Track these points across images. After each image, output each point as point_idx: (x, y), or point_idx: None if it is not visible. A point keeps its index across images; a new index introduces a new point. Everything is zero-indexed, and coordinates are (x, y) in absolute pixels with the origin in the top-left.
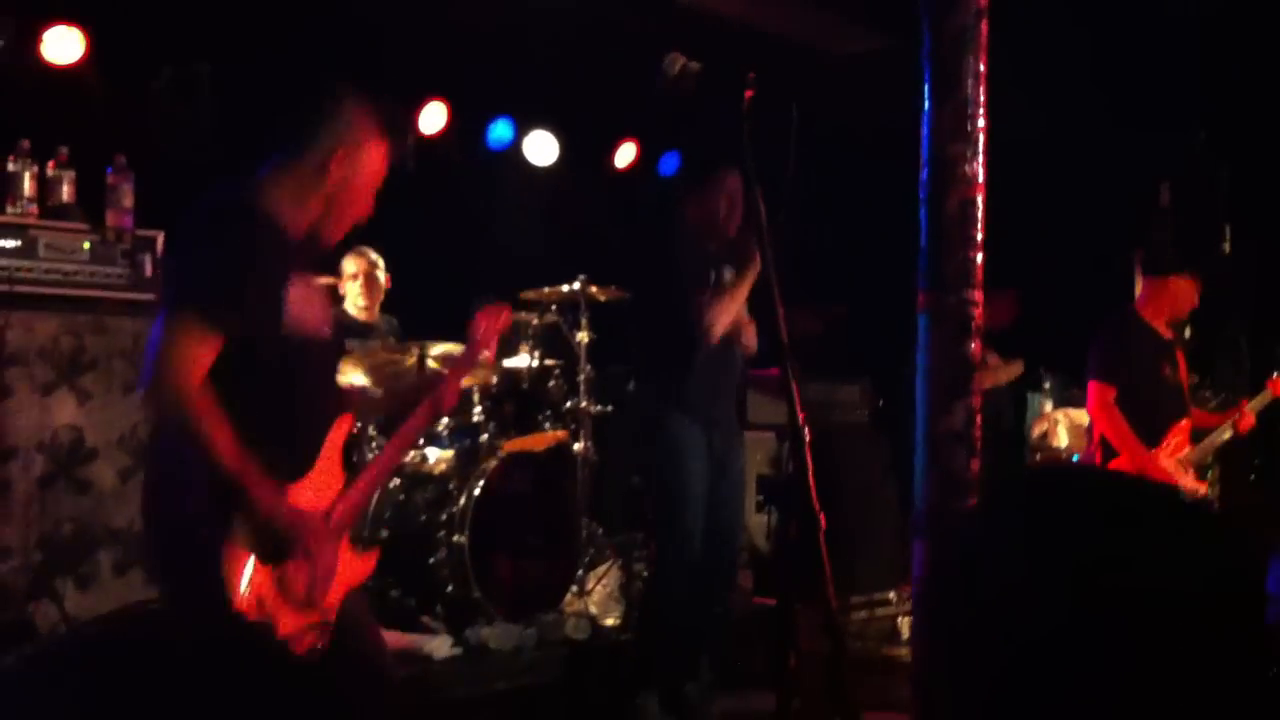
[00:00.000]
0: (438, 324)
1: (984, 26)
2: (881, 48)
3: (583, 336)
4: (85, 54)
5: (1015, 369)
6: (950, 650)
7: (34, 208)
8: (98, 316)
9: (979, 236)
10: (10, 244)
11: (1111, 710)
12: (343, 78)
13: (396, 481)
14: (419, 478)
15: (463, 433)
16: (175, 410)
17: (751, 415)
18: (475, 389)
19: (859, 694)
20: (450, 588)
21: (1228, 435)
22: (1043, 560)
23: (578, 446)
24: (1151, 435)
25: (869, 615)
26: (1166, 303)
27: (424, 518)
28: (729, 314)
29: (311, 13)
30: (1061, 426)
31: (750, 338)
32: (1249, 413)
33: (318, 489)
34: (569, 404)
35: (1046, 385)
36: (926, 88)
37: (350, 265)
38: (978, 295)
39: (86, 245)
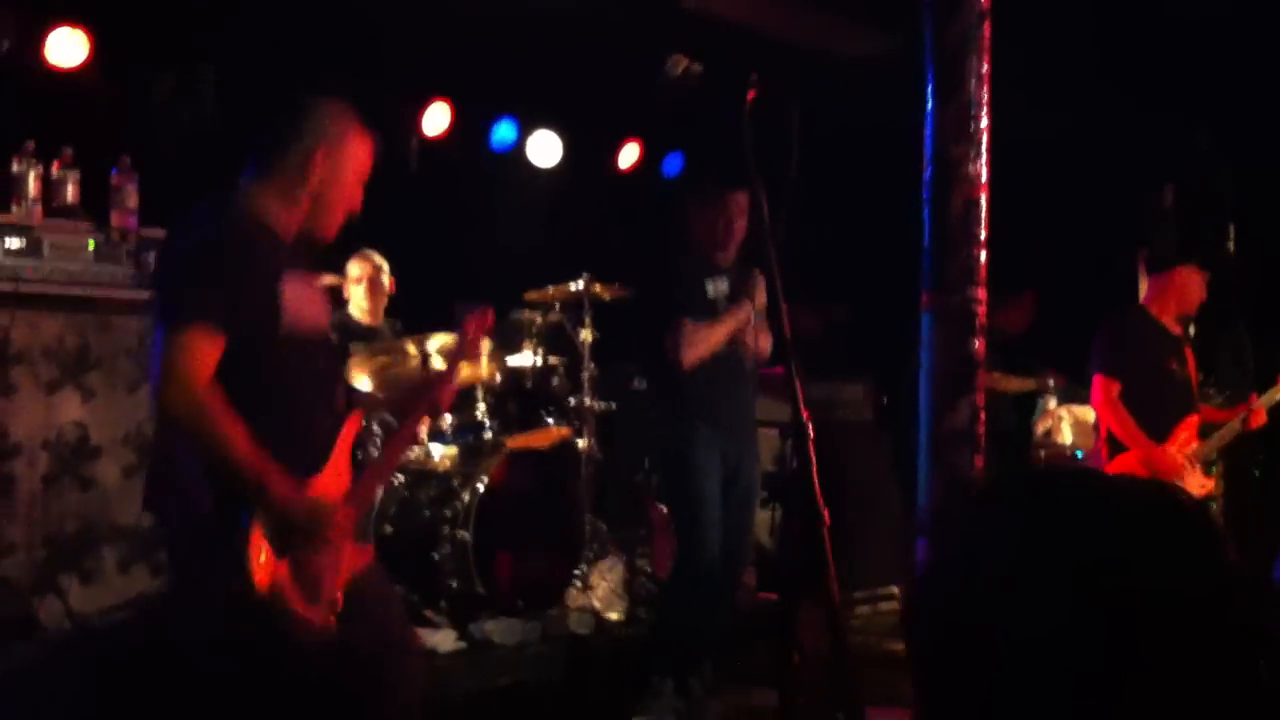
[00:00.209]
0: (441, 325)
1: (986, 28)
2: (884, 49)
3: (586, 335)
4: (89, 55)
5: (1021, 383)
6: (947, 648)
7: (39, 208)
8: (102, 315)
9: (982, 236)
10: (16, 244)
11: (1111, 711)
12: (340, 77)
13: (400, 478)
14: (423, 474)
15: (467, 429)
16: (187, 414)
17: (756, 412)
18: (479, 386)
19: (862, 690)
20: (454, 583)
21: (1237, 432)
22: (1042, 558)
23: (581, 443)
24: (1160, 431)
25: (872, 611)
26: (1174, 297)
27: (428, 514)
28: (706, 346)
29: (315, 13)
30: (1066, 424)
31: (763, 344)
32: (1260, 409)
33: (328, 486)
34: (572, 401)
35: (1051, 383)
36: (929, 88)
37: (355, 269)
38: (981, 294)
39: (91, 245)
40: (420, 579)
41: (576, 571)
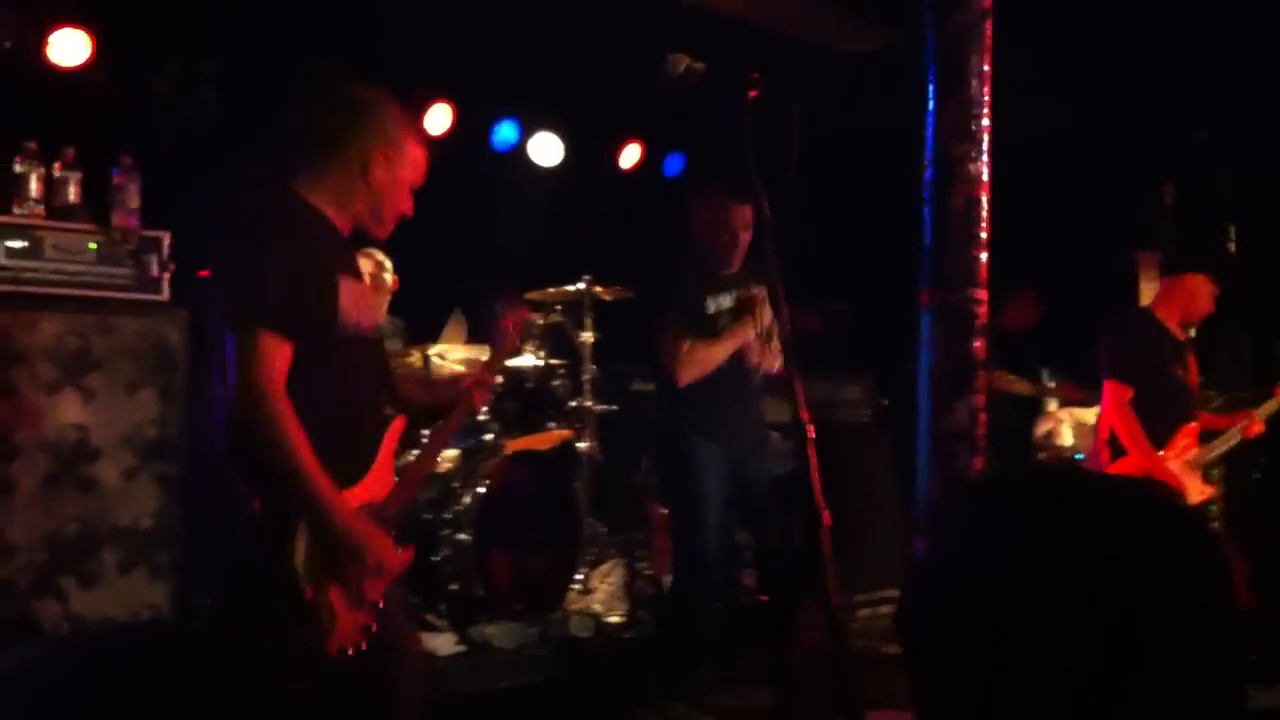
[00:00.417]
0: (442, 323)
1: (988, 26)
2: (886, 46)
3: (587, 336)
4: (91, 55)
5: (1023, 386)
6: (945, 646)
7: (40, 208)
8: (103, 316)
9: (983, 235)
10: (17, 244)
11: (1110, 709)
12: (375, 76)
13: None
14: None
15: (467, 431)
16: (262, 421)
17: (764, 425)
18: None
19: (862, 691)
20: (454, 585)
21: (1236, 441)
22: (1042, 556)
23: (582, 445)
24: (1160, 436)
25: (872, 613)
26: (1180, 303)
27: (428, 516)
28: (702, 367)
29: (317, 13)
30: (1066, 426)
31: (770, 363)
32: (1258, 419)
33: (373, 489)
34: (573, 403)
35: (1051, 385)
36: (931, 87)
37: None
38: (982, 294)
39: (93, 246)
40: (420, 581)
41: (577, 574)
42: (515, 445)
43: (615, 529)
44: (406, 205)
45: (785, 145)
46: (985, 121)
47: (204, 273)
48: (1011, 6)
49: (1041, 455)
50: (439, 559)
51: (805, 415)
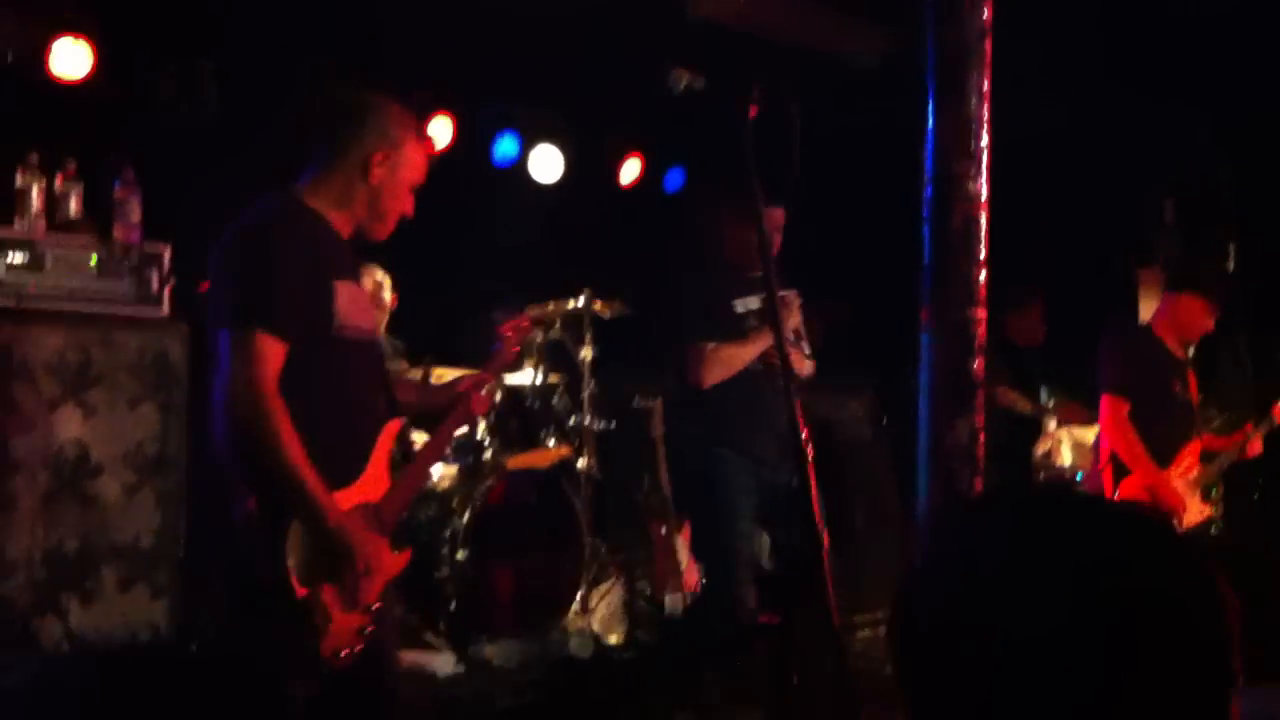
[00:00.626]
0: (442, 340)
1: (987, 43)
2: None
3: (586, 352)
4: (93, 68)
5: (1024, 404)
6: (943, 648)
7: (42, 221)
8: (104, 331)
9: (982, 254)
10: (18, 258)
11: (1109, 711)
12: (378, 78)
13: None
14: (422, 494)
15: (466, 448)
16: (253, 420)
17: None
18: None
19: (861, 710)
20: (453, 604)
21: (1235, 459)
22: (1041, 558)
23: (581, 463)
24: (1163, 455)
25: (873, 633)
26: (1179, 321)
27: (427, 534)
28: (728, 368)
29: (319, 28)
30: (1065, 445)
31: (802, 368)
32: (1256, 438)
33: (367, 491)
34: (573, 420)
35: (1050, 404)
36: (930, 104)
37: None
38: (981, 313)
39: (94, 259)
40: (419, 600)
41: (576, 593)
42: (514, 463)
43: (614, 547)
44: (407, 206)
45: (787, 154)
46: (984, 140)
47: (205, 285)
48: (1013, 11)
49: (1040, 475)
50: (438, 577)
51: (805, 436)
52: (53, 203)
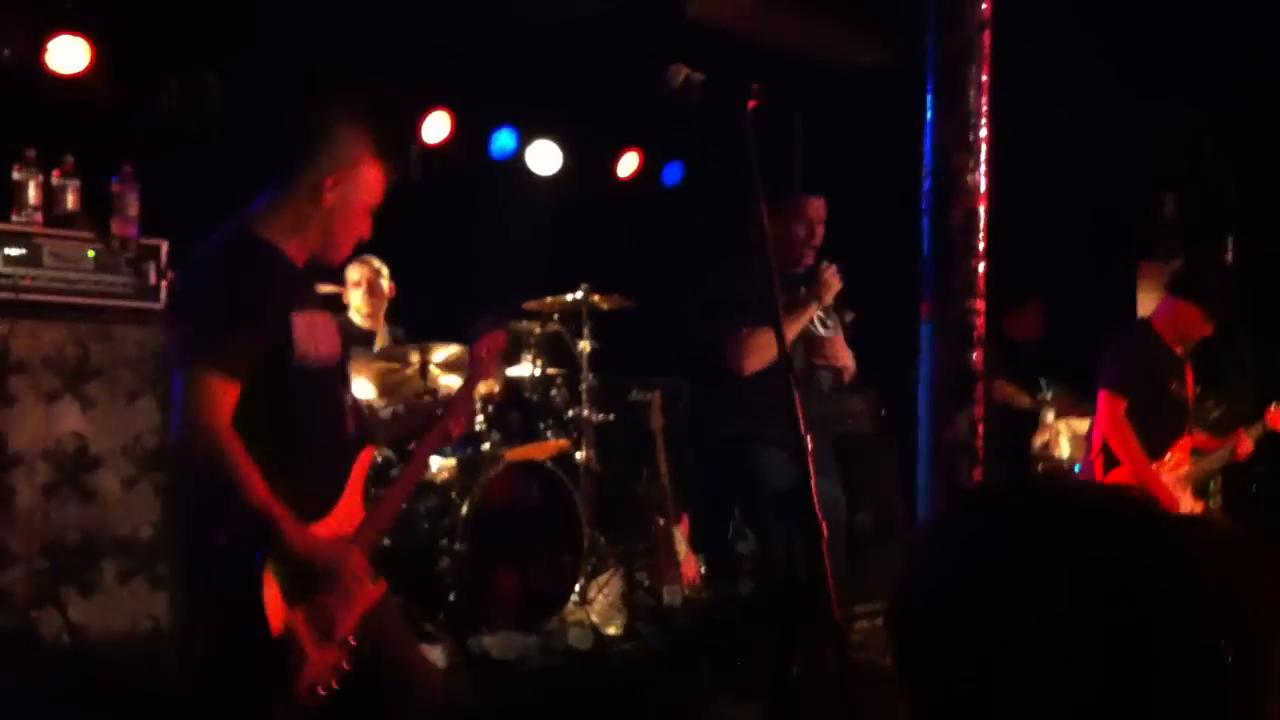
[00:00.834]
0: (441, 332)
1: (986, 37)
2: (887, 59)
3: (585, 345)
4: (91, 63)
5: (1022, 399)
6: (941, 643)
7: (39, 216)
8: (103, 325)
9: (981, 247)
10: (16, 252)
11: (1107, 708)
12: (339, 94)
13: None
14: (421, 486)
15: (465, 441)
16: (207, 459)
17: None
18: (479, 398)
19: (862, 702)
20: (452, 596)
21: (1226, 460)
22: (1040, 554)
23: (580, 455)
24: (1153, 450)
25: (873, 625)
26: (1181, 324)
27: (426, 526)
28: (768, 351)
29: (317, 22)
30: (1064, 437)
31: (841, 355)
32: (1247, 439)
33: (341, 522)
34: (571, 413)
35: (1048, 396)
36: (929, 99)
37: (354, 273)
38: (980, 305)
39: (91, 254)
40: (418, 592)
41: (575, 585)
42: (513, 455)
43: (614, 539)
44: (364, 229)
45: (788, 152)
46: (984, 133)
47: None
48: (1013, 5)
49: (1039, 467)
50: (437, 570)
51: (804, 429)
52: (50, 197)
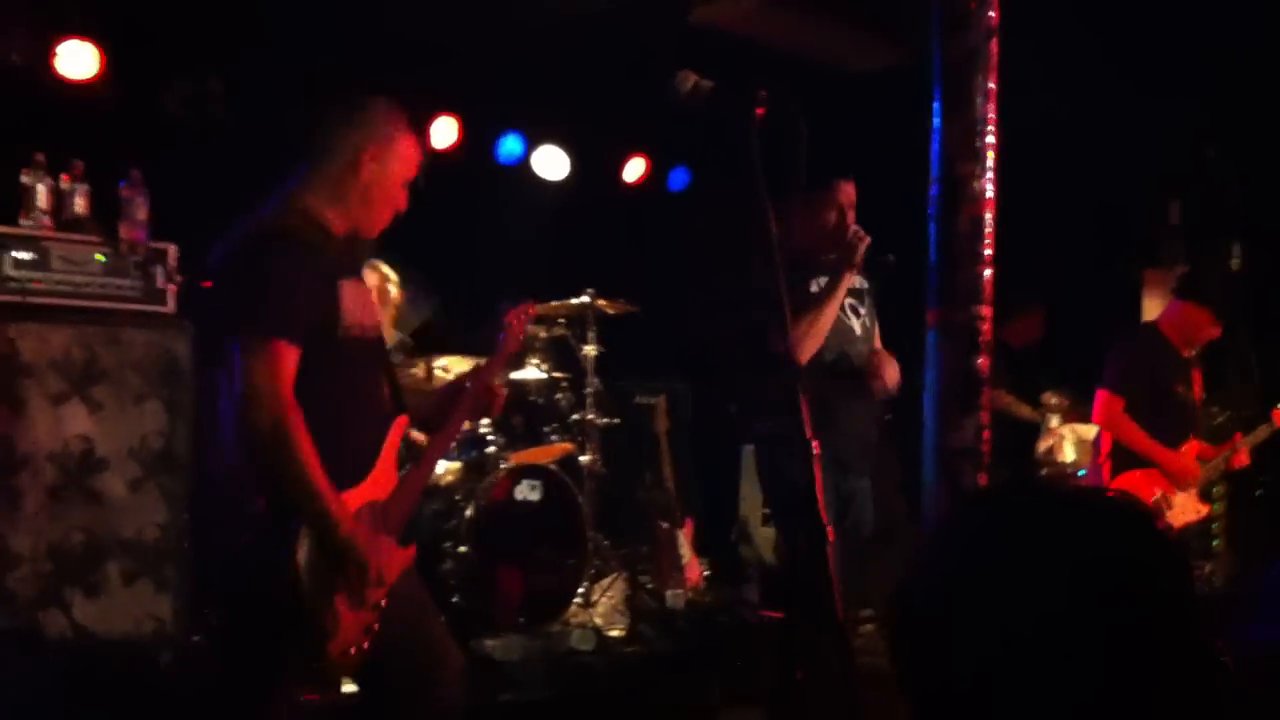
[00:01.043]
0: (447, 337)
1: (993, 45)
2: (894, 63)
3: (590, 350)
4: (100, 68)
5: (1026, 410)
6: (942, 643)
7: (48, 220)
8: (110, 328)
9: (987, 253)
10: (24, 256)
11: (1104, 706)
12: (348, 89)
13: None
14: (426, 489)
15: (470, 444)
16: (272, 431)
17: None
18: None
19: (866, 708)
20: (456, 599)
21: (1222, 469)
22: (1039, 555)
23: (584, 459)
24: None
25: (878, 629)
26: (1187, 327)
27: (430, 529)
28: (818, 329)
29: (322, 27)
30: (1068, 442)
31: (890, 374)
32: (1244, 450)
33: (375, 489)
34: (576, 416)
35: (1052, 401)
36: (936, 106)
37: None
38: (986, 311)
39: (100, 258)
40: None
41: (579, 588)
42: (518, 458)
43: (617, 543)
44: (400, 200)
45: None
46: (990, 140)
47: (208, 283)
48: (1020, 13)
49: (1043, 471)
50: (441, 572)
51: (810, 433)
52: (59, 201)
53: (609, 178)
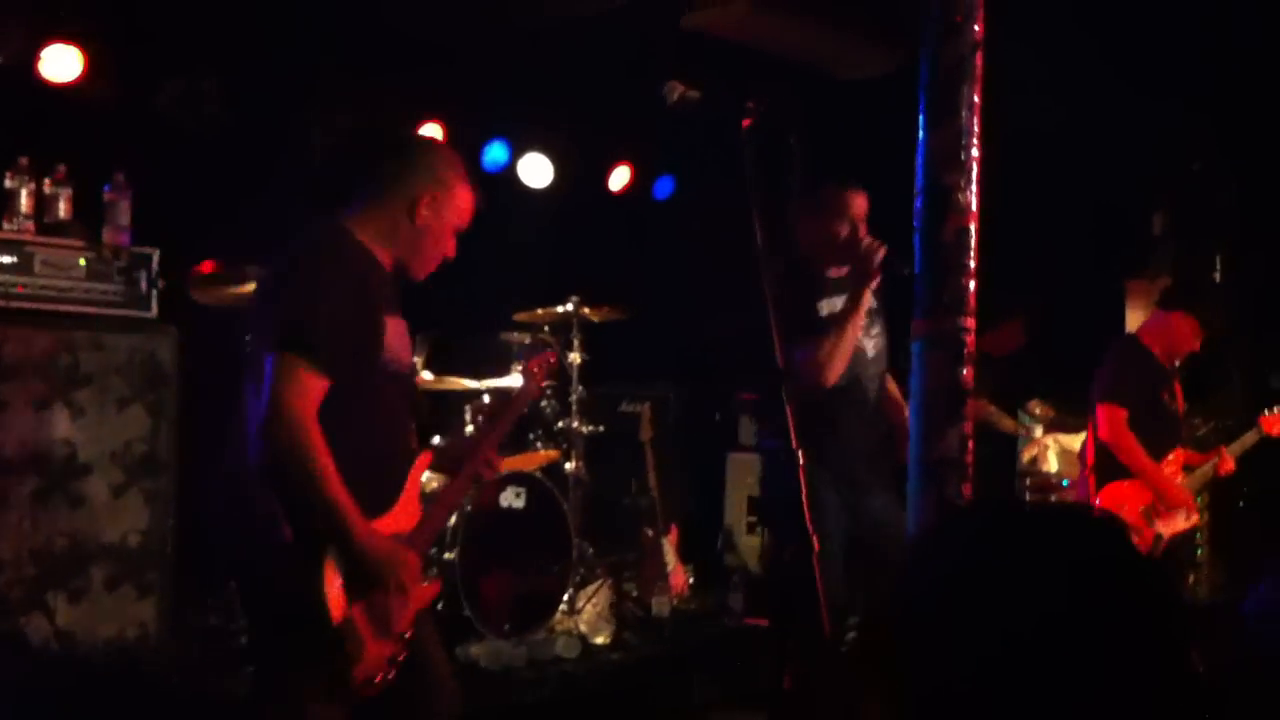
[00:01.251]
0: (429, 344)
1: (979, 58)
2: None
3: (575, 357)
4: (84, 71)
5: (1010, 423)
6: (939, 649)
7: (31, 224)
8: (93, 333)
9: (972, 264)
10: (7, 260)
11: (1102, 705)
12: (335, 96)
13: None
14: None
15: None
16: (291, 451)
17: (744, 437)
18: (467, 408)
19: (852, 715)
20: (441, 605)
21: (1210, 476)
22: (1038, 559)
23: (569, 466)
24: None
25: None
26: (1166, 337)
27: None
28: (843, 350)
29: (312, 33)
30: (1051, 452)
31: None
32: (1228, 457)
33: (400, 522)
34: (561, 424)
35: (1038, 411)
36: (921, 118)
37: None
38: (971, 323)
39: (83, 262)
40: None
41: (564, 595)
42: (503, 465)
43: (602, 550)
44: (449, 248)
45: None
46: (975, 152)
47: (207, 266)
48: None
49: (1027, 482)
50: (426, 578)
51: (795, 441)
52: (42, 205)
53: (594, 186)
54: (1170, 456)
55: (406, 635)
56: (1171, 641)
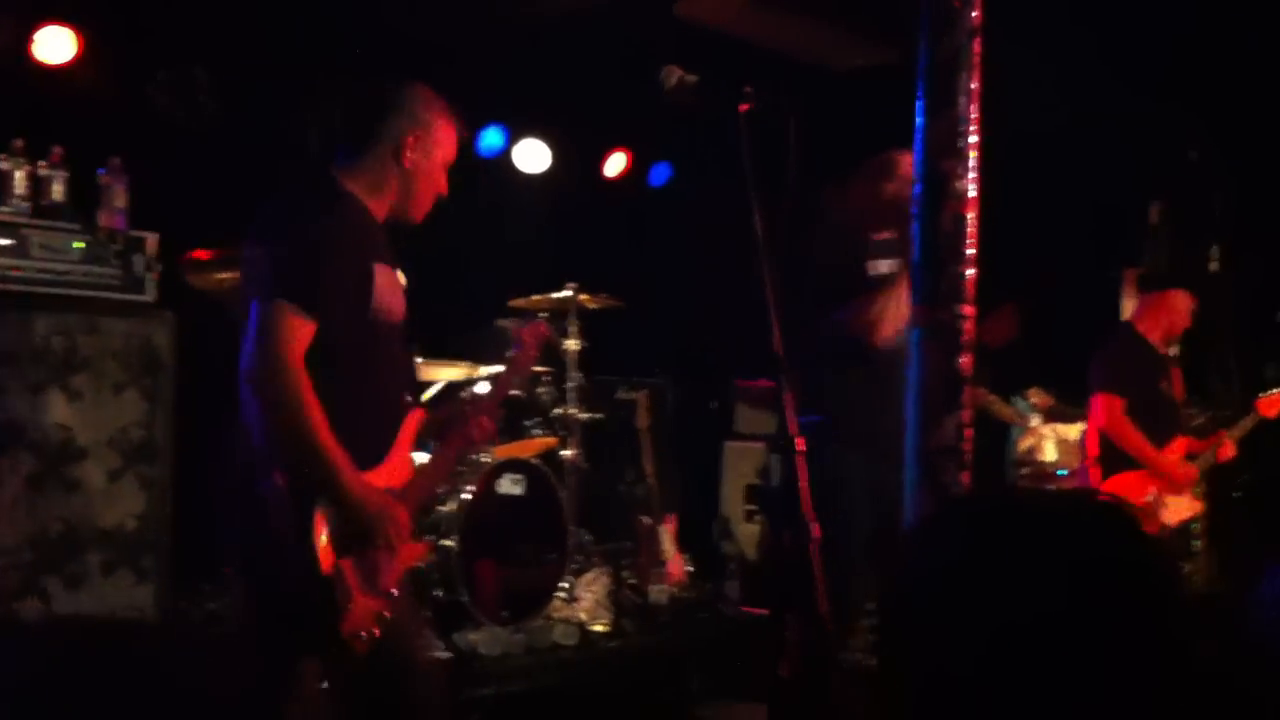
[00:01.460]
0: (425, 331)
1: (977, 44)
2: (880, 61)
3: (572, 344)
4: (79, 53)
5: (1008, 411)
6: (937, 645)
7: (26, 207)
8: (90, 316)
9: (970, 252)
10: (3, 243)
11: (1101, 704)
12: (331, 81)
13: None
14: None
15: None
16: (276, 394)
17: (741, 426)
18: (465, 396)
19: (850, 704)
20: (439, 592)
21: (1211, 463)
22: (1038, 555)
23: (566, 453)
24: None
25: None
26: (1163, 319)
27: (413, 522)
28: (896, 309)
29: (306, 17)
30: (1049, 441)
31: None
32: (1229, 442)
33: (390, 476)
34: (558, 411)
35: (1034, 401)
36: (919, 105)
37: None
38: (969, 310)
39: (79, 245)
40: None
41: (562, 582)
42: (500, 453)
43: (600, 538)
44: (442, 185)
45: (783, 155)
46: (973, 139)
47: (200, 252)
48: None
49: (1024, 471)
50: (424, 566)
51: (794, 429)
52: (38, 188)
53: (591, 172)
54: (1173, 444)
55: (394, 592)
56: (1174, 634)
